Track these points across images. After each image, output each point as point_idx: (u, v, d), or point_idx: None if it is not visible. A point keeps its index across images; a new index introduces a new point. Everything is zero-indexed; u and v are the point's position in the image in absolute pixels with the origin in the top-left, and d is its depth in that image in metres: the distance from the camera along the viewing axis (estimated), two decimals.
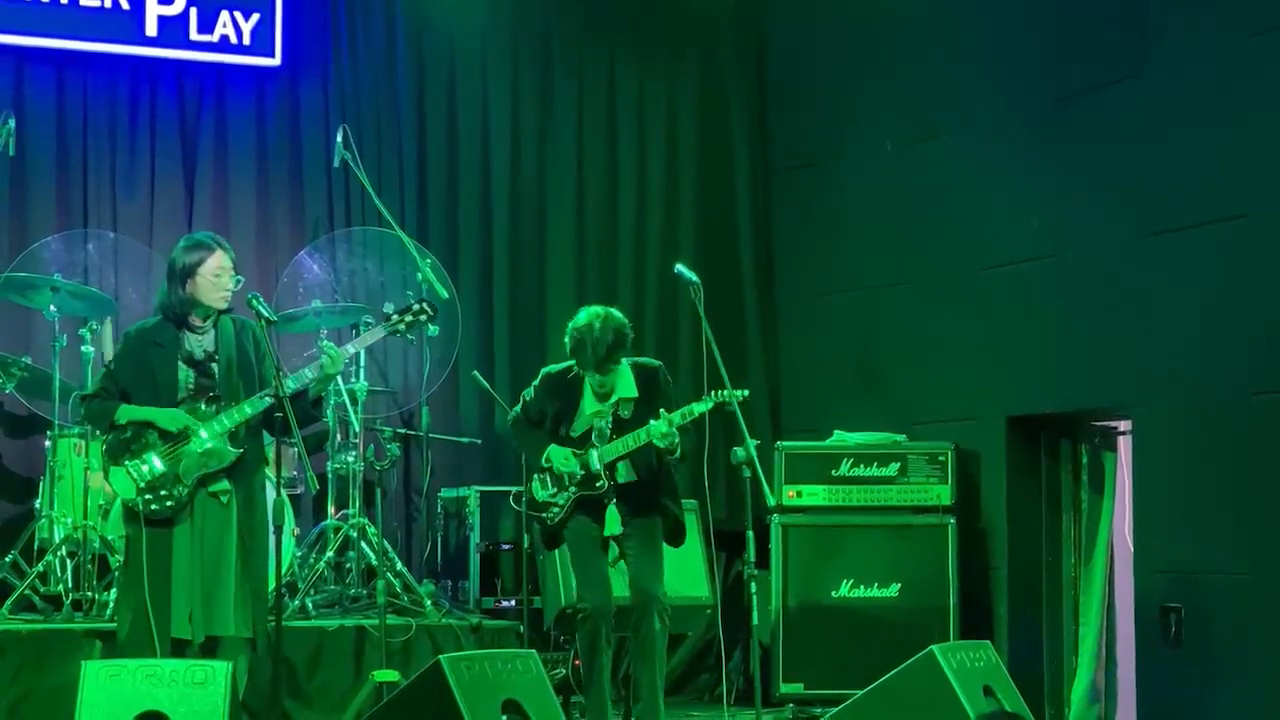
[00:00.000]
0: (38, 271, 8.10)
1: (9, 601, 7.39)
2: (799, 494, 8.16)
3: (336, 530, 8.13)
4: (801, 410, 9.42)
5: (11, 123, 8.02)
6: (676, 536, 7.06)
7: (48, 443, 7.82)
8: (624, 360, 6.91)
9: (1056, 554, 8.20)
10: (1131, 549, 7.75)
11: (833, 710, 6.61)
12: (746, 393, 6.81)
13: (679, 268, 7.23)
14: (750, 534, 6.77)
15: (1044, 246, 7.98)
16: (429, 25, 9.32)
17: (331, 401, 8.07)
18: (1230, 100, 7.13)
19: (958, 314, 8.45)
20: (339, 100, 9.11)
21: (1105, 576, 8.15)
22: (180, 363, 6.33)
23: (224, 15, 8.85)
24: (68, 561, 7.63)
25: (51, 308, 7.82)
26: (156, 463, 6.23)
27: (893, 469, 8.15)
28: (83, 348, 7.80)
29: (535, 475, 7.06)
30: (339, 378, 7.70)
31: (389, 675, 7.04)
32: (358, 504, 8.19)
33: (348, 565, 8.13)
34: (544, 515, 7.04)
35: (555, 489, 6.98)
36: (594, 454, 6.90)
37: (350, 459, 8.24)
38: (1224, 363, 7.13)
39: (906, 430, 8.36)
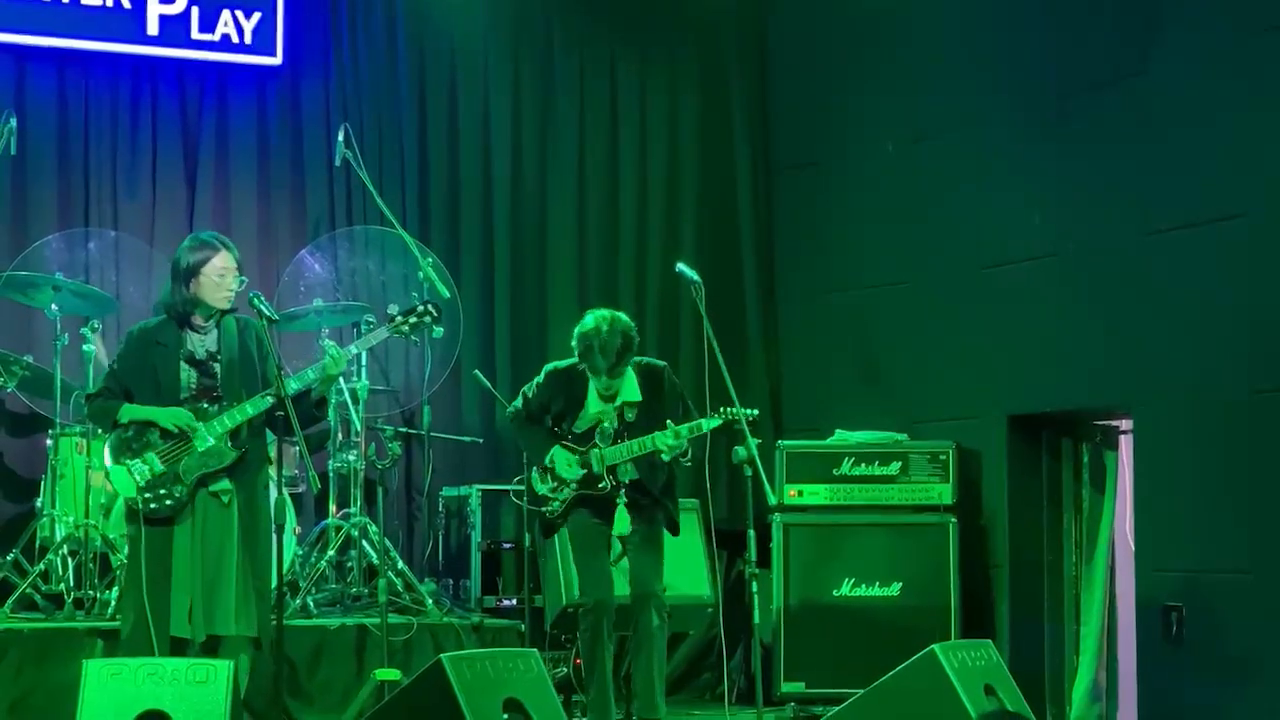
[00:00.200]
0: (39, 270, 8.09)
1: (10, 600, 7.38)
2: (800, 493, 8.16)
3: (338, 529, 8.13)
4: (803, 409, 9.41)
5: (13, 122, 8.02)
6: (672, 528, 7.05)
7: (49, 441, 7.82)
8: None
9: (1058, 553, 8.20)
10: (1133, 547, 7.75)
11: (834, 709, 6.60)
12: (756, 412, 6.84)
13: (680, 267, 7.22)
14: (751, 533, 6.77)
15: (1045, 246, 7.98)
16: (430, 24, 9.32)
17: (333, 400, 8.07)
18: (1230, 100, 7.14)
19: (959, 313, 8.45)
20: (340, 99, 9.10)
21: (1106, 575, 8.16)
22: (182, 362, 6.31)
23: (225, 14, 8.84)
24: (69, 560, 7.62)
25: (53, 306, 7.82)
26: (157, 462, 6.23)
27: (894, 468, 8.15)
28: (84, 346, 7.80)
29: (535, 468, 7.07)
30: (340, 377, 7.69)
31: (390, 674, 7.02)
32: (359, 503, 8.20)
33: (349, 564, 8.13)
34: (544, 510, 7.06)
35: (555, 484, 6.99)
36: (595, 455, 6.90)
37: (352, 458, 8.24)
38: (1225, 361, 7.14)
39: (908, 429, 8.36)
